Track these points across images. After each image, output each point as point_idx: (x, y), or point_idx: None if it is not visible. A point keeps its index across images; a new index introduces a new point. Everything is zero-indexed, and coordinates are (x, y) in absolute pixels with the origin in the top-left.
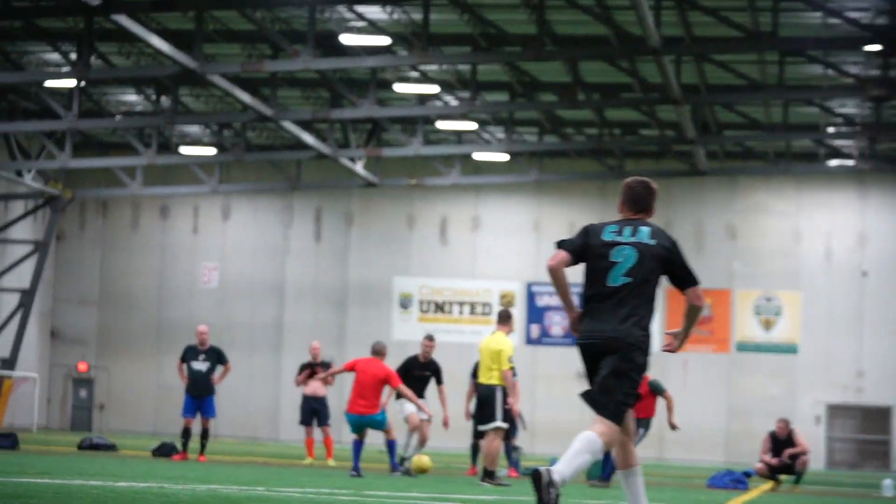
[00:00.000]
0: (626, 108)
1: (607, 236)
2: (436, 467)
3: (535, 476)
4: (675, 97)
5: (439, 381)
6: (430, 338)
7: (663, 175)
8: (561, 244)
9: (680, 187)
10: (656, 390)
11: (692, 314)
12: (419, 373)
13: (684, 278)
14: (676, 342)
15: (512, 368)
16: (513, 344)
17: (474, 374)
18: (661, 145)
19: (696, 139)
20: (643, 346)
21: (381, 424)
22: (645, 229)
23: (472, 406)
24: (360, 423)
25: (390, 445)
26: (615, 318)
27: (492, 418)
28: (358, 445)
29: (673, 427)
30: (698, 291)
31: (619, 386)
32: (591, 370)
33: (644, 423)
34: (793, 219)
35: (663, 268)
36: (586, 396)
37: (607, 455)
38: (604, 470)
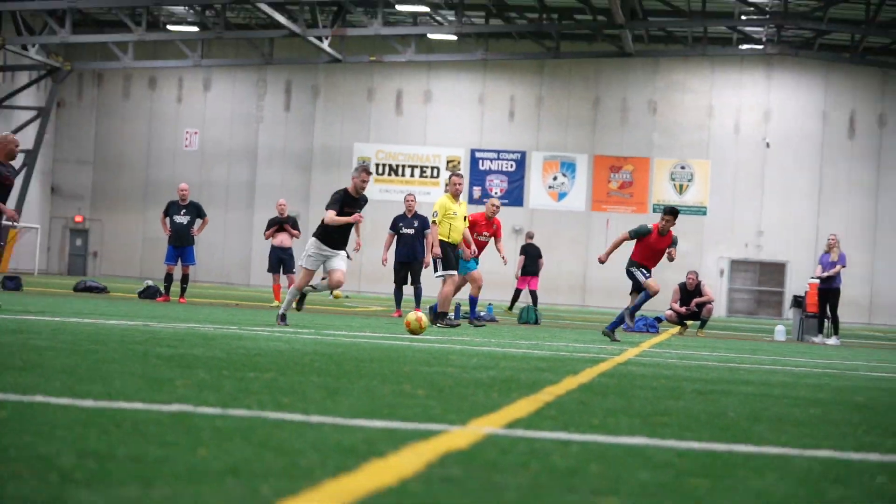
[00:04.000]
0: None
1: None
2: (373, 311)
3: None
4: None
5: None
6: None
7: (594, 56)
8: None
9: (608, 67)
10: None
11: None
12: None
13: None
14: None
15: (434, 222)
16: (441, 201)
17: (393, 227)
18: (593, 29)
19: (625, 24)
20: None
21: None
22: None
23: (389, 255)
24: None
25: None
26: None
27: (448, 267)
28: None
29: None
30: None
31: None
32: None
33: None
34: (706, 96)
35: None
36: None
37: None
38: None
